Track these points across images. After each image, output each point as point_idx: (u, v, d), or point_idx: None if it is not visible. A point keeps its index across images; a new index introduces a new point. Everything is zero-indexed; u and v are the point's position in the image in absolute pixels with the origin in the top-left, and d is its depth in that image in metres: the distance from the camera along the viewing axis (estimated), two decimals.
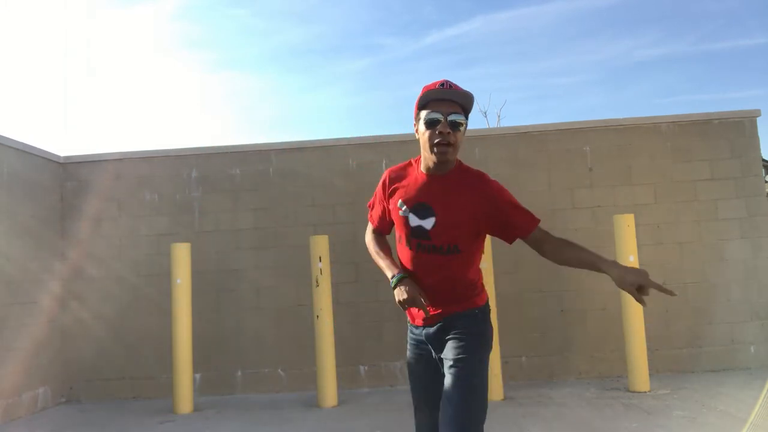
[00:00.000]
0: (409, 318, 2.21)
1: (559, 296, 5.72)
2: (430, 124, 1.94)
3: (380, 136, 5.97)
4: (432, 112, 1.94)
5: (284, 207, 5.93)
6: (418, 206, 2.02)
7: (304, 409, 4.98)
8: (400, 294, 1.99)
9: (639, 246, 5.15)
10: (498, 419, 4.29)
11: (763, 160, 6.89)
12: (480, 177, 2.04)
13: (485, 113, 24.50)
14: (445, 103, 1.94)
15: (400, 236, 2.10)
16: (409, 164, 2.13)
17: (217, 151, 6.06)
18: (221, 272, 5.86)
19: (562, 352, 5.67)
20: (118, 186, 6.03)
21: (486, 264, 4.96)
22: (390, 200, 2.12)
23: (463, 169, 2.05)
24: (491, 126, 18.89)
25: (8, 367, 5.02)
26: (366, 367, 5.64)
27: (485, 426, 1.94)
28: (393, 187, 2.11)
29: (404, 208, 2.05)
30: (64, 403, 5.73)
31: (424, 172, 2.05)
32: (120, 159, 6.08)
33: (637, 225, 5.17)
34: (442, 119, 1.93)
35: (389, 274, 2.07)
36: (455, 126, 1.94)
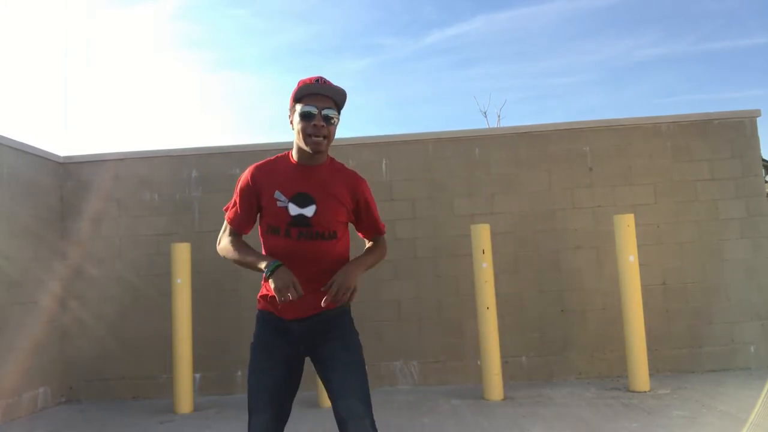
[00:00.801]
0: (269, 309, 2.17)
1: (559, 296, 5.72)
2: (305, 116, 2.05)
3: (380, 136, 5.98)
4: (306, 105, 2.05)
5: None
6: (297, 196, 2.09)
7: (304, 409, 4.98)
8: (279, 281, 1.95)
9: (639, 246, 5.16)
10: (498, 419, 4.29)
11: (763, 160, 6.89)
12: (353, 173, 2.22)
13: (485, 113, 24.53)
14: (320, 97, 2.06)
15: (276, 227, 2.08)
16: (276, 159, 2.19)
17: (217, 151, 6.06)
18: (221, 272, 5.85)
19: (562, 352, 5.67)
20: (118, 186, 6.03)
21: (486, 264, 4.96)
22: (262, 195, 2.12)
23: (335, 163, 2.21)
24: (491, 126, 18.91)
25: (8, 367, 5.02)
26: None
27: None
28: (263, 181, 2.12)
29: (282, 198, 2.09)
30: (64, 403, 5.73)
31: (298, 163, 2.13)
32: (120, 159, 6.08)
33: (637, 225, 5.17)
34: (316, 113, 2.04)
35: (264, 264, 2.03)
36: (328, 120, 2.06)
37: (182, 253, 5.19)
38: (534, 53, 34.25)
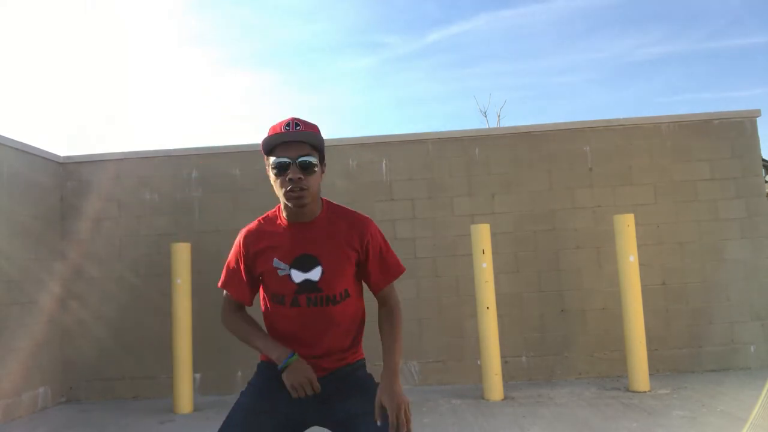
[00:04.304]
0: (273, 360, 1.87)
1: (559, 296, 5.72)
2: (280, 170, 1.78)
3: (380, 136, 5.98)
4: (279, 157, 1.78)
5: None
6: (299, 259, 1.84)
7: None
8: (293, 378, 1.77)
9: (639, 246, 5.16)
10: (498, 419, 4.30)
11: (763, 160, 6.90)
12: (357, 216, 1.94)
13: (485, 113, 24.57)
14: (293, 145, 1.78)
15: (281, 297, 1.86)
16: (267, 219, 1.93)
17: (217, 151, 6.06)
18: (221, 272, 5.85)
19: (562, 352, 5.67)
20: (118, 186, 6.03)
21: (486, 264, 4.96)
22: (257, 264, 1.89)
23: (333, 210, 1.93)
24: (491, 126, 18.94)
25: (8, 367, 5.02)
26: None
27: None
28: (257, 248, 1.89)
29: (283, 265, 1.85)
30: (64, 403, 5.73)
31: (291, 221, 1.87)
32: (120, 159, 6.08)
33: (637, 225, 5.17)
34: (290, 163, 1.77)
35: (276, 354, 1.82)
36: (306, 168, 1.79)
37: (182, 253, 5.19)
38: (536, 52, 34.28)
